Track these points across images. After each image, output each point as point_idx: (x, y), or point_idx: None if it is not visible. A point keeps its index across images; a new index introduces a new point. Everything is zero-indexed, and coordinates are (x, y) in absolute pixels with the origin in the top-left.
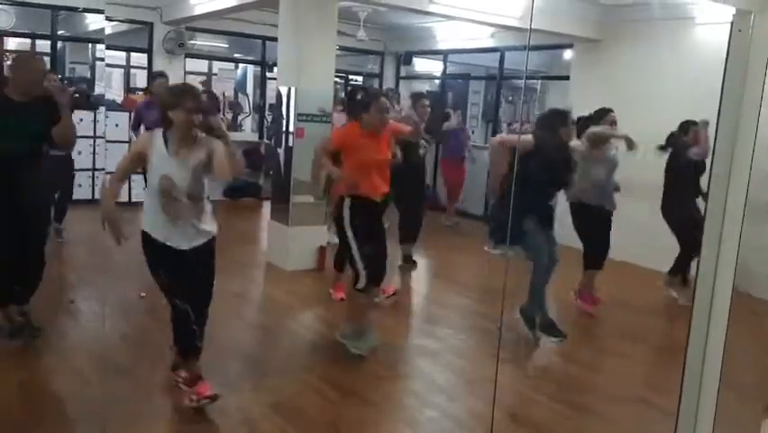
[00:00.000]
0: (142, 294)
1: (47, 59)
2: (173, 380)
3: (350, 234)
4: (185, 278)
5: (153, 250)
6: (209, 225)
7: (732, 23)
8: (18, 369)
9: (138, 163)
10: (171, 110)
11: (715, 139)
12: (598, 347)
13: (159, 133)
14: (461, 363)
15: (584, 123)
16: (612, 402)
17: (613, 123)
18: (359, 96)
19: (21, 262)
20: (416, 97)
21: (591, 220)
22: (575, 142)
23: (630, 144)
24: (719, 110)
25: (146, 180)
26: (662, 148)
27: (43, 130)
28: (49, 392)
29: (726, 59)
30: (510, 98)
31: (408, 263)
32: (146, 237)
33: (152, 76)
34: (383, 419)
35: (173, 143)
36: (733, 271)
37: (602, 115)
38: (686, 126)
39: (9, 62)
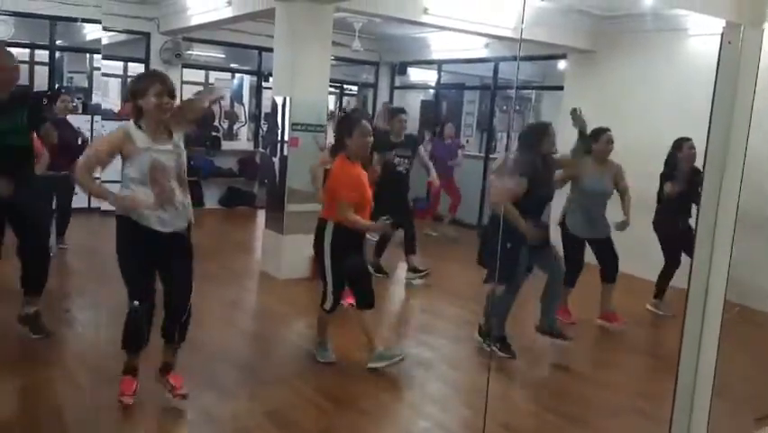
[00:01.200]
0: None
1: (45, 68)
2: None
3: (327, 256)
4: (166, 262)
5: (136, 236)
6: (190, 210)
7: (722, 35)
8: (18, 376)
9: (112, 156)
10: (141, 98)
11: (706, 151)
12: (593, 358)
13: (131, 124)
14: (454, 373)
15: (582, 143)
16: (604, 413)
17: (609, 142)
18: (341, 123)
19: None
20: (393, 112)
21: (578, 248)
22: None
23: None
24: (710, 121)
25: (122, 174)
26: (663, 174)
27: (23, 126)
28: (46, 400)
29: (717, 70)
30: (505, 108)
31: (418, 272)
32: (128, 224)
33: None
34: (376, 429)
35: (149, 132)
36: (725, 283)
37: (599, 134)
38: (679, 144)
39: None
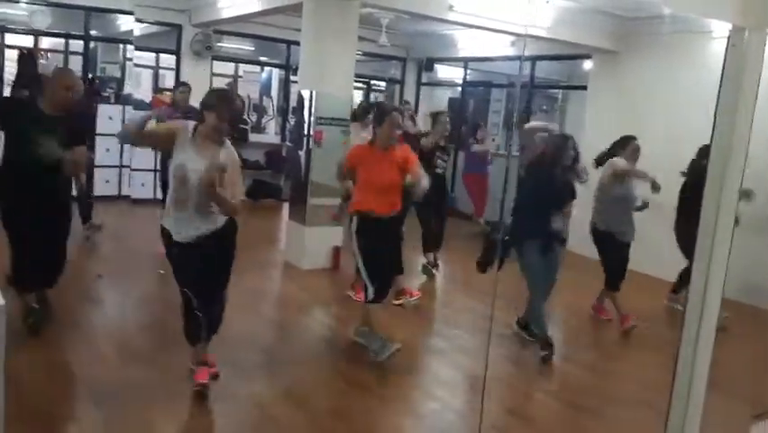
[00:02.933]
0: (161, 271)
1: (79, 58)
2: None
3: (356, 250)
4: (189, 268)
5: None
6: (217, 220)
7: (728, 39)
8: (46, 350)
9: (167, 141)
10: (207, 110)
11: (709, 153)
12: (603, 352)
13: (191, 125)
14: (467, 361)
15: (609, 151)
16: (610, 403)
17: (636, 150)
18: (372, 112)
19: (49, 251)
20: (436, 115)
21: (610, 246)
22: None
23: (655, 187)
24: (714, 124)
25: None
26: (684, 174)
27: (66, 142)
28: (72, 373)
29: (722, 73)
30: (544, 107)
31: (432, 267)
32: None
33: (176, 85)
34: (387, 410)
35: (199, 139)
36: (722, 280)
37: (625, 143)
38: (705, 151)
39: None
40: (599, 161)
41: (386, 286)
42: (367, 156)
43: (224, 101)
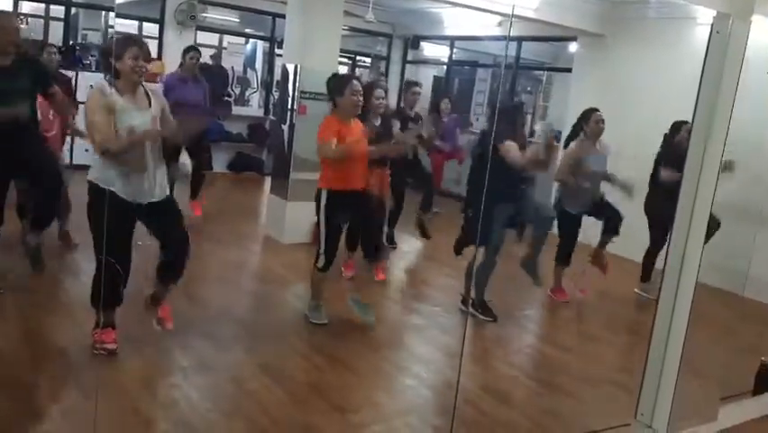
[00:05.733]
0: (139, 243)
1: (60, 24)
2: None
3: (322, 220)
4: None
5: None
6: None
7: (711, 25)
8: (22, 319)
9: (110, 116)
10: (118, 60)
11: (689, 137)
12: (577, 332)
13: (105, 85)
14: (444, 338)
15: (574, 128)
16: (581, 382)
17: (599, 122)
18: (332, 82)
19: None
20: (408, 85)
21: (574, 224)
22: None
23: (629, 192)
24: (695, 109)
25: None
26: (659, 155)
27: (28, 90)
28: (49, 339)
29: (705, 59)
30: (529, 89)
31: (390, 244)
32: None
33: (185, 50)
34: (363, 385)
35: (126, 94)
36: (697, 265)
37: (588, 115)
38: (678, 126)
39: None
40: (567, 143)
41: (378, 249)
42: (333, 130)
43: (128, 42)
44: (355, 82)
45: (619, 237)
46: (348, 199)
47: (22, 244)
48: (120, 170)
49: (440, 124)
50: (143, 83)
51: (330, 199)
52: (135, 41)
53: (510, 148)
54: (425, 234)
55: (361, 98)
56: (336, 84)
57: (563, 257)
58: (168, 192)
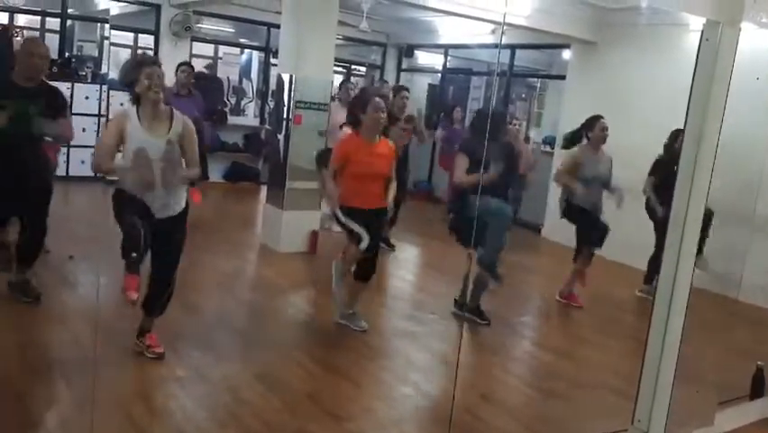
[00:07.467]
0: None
1: (56, 36)
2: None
3: (343, 219)
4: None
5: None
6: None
7: (702, 33)
8: (17, 332)
9: (119, 139)
10: (135, 85)
11: (681, 143)
12: (575, 338)
13: (130, 109)
14: (441, 346)
15: (577, 132)
16: (580, 388)
17: (603, 129)
18: (356, 99)
19: (25, 231)
20: (397, 90)
21: (584, 215)
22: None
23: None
24: (686, 116)
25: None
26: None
27: (44, 115)
28: (44, 354)
29: (695, 66)
30: (524, 96)
31: (388, 247)
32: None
33: (177, 66)
34: (360, 394)
35: (145, 119)
36: (691, 269)
37: (593, 122)
38: (677, 134)
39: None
40: (568, 144)
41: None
42: (354, 149)
43: (141, 65)
44: (378, 99)
45: (617, 244)
46: (359, 216)
47: (8, 285)
48: (131, 185)
49: (454, 131)
50: (174, 110)
51: (343, 211)
52: (146, 61)
53: (458, 164)
54: None
55: (384, 115)
56: (359, 101)
57: (585, 250)
58: (183, 205)
